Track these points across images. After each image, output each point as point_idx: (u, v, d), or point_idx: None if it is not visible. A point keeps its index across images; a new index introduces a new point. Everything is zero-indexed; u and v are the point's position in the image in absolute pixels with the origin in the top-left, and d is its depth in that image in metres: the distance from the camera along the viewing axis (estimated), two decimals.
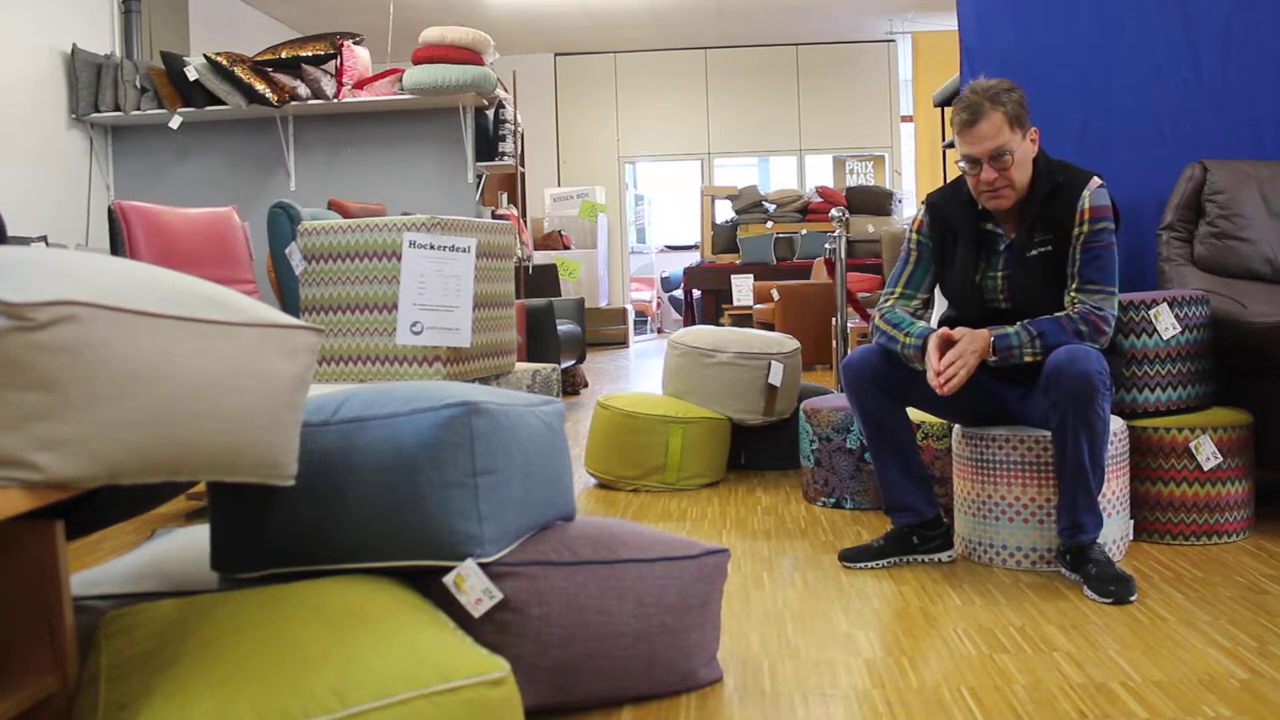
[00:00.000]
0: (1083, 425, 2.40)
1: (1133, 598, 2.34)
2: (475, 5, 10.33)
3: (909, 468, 2.68)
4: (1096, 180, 2.61)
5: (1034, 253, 2.61)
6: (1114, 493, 2.65)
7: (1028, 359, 2.51)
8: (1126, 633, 2.14)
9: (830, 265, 4.88)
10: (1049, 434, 2.59)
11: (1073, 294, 2.57)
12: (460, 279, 2.82)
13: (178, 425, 1.37)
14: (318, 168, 6.55)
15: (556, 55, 12.70)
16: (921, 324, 2.62)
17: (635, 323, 12.57)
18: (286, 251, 3.05)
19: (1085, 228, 2.57)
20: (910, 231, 2.79)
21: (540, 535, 1.83)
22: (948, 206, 2.73)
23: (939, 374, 2.47)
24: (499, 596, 1.68)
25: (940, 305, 2.87)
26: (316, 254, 2.97)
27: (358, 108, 6.34)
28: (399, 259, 2.83)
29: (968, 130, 2.53)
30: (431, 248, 2.78)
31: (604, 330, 11.19)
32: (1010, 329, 2.52)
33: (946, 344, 2.52)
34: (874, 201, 11.11)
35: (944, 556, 2.71)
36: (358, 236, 2.90)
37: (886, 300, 2.74)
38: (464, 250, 2.83)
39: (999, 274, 2.66)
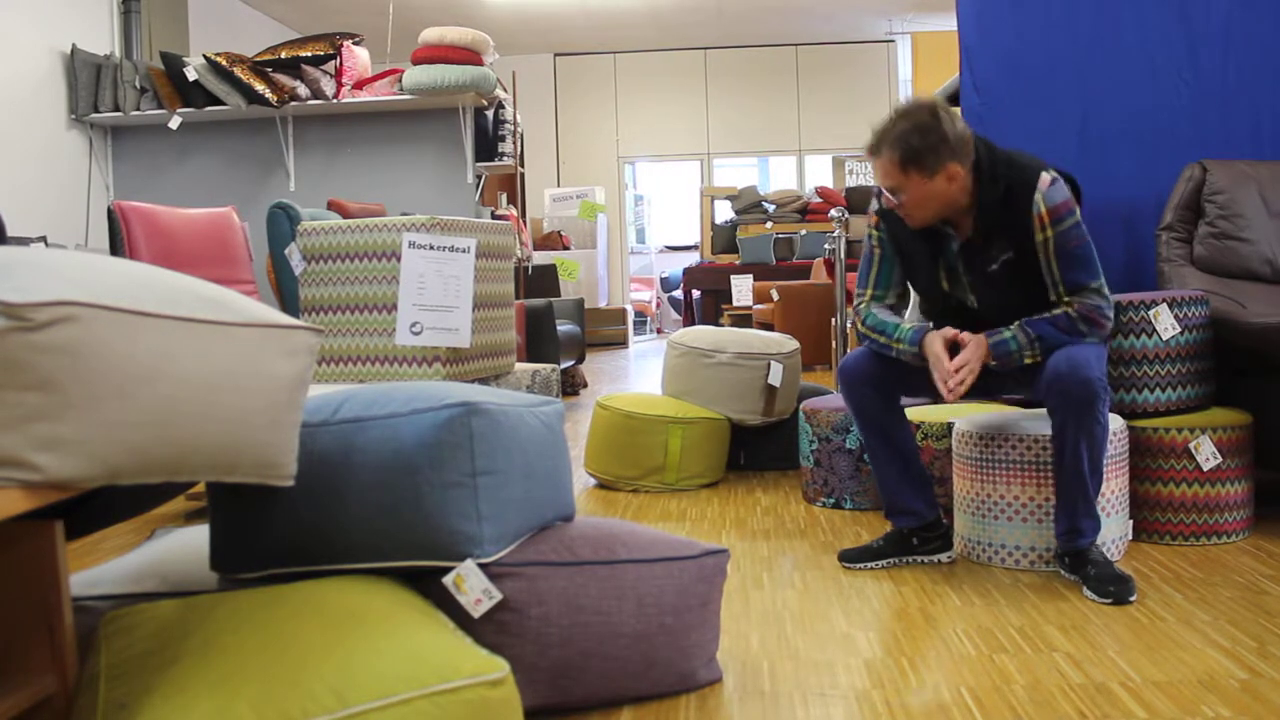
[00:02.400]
0: (1083, 433, 2.38)
1: (1132, 598, 2.34)
2: (475, 5, 10.33)
3: (909, 470, 2.67)
4: (1046, 177, 2.47)
5: (995, 266, 2.53)
6: (1113, 493, 2.65)
7: (1027, 360, 2.50)
8: (1126, 633, 2.14)
9: (830, 265, 4.87)
10: (1049, 434, 2.59)
11: (1065, 300, 2.51)
12: (460, 279, 2.83)
13: (177, 425, 1.37)
14: (317, 168, 6.55)
15: (556, 55, 12.69)
16: (907, 325, 2.59)
17: (635, 323, 12.57)
18: (286, 252, 3.05)
19: (1049, 232, 2.46)
20: (869, 228, 2.72)
21: (540, 535, 1.83)
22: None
23: (945, 383, 2.46)
24: (498, 597, 1.68)
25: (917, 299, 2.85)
26: (316, 254, 2.98)
27: (357, 108, 6.34)
28: (399, 259, 2.83)
29: (869, 158, 2.49)
30: (431, 248, 2.79)
31: (604, 330, 11.19)
32: (1007, 333, 2.49)
33: (951, 344, 2.51)
34: None
35: (944, 557, 2.71)
36: (357, 237, 2.91)
37: (861, 302, 2.68)
38: (464, 251, 2.83)
39: (964, 279, 2.59)
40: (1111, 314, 2.51)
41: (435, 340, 2.82)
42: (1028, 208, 2.45)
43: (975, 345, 2.48)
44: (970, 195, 2.49)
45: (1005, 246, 2.51)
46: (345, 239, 2.93)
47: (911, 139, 2.40)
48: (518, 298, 7.39)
